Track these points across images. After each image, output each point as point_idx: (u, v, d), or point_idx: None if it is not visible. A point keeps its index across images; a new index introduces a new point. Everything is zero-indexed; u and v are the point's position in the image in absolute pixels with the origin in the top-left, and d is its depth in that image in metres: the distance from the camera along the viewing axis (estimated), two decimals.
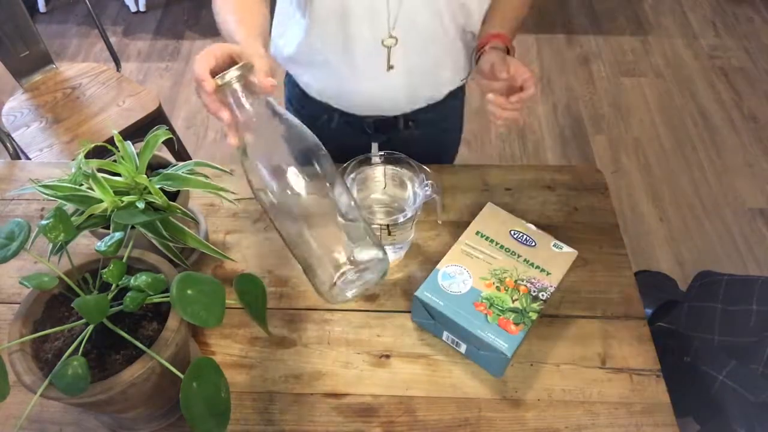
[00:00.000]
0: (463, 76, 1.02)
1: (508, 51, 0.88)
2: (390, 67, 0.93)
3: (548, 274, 0.69)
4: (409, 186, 0.84)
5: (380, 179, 0.85)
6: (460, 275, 0.77)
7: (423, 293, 0.76)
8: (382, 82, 0.96)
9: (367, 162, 0.83)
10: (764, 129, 2.29)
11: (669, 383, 0.75)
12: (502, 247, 0.80)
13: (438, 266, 0.79)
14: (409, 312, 0.82)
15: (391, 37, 0.89)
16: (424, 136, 1.09)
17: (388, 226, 0.79)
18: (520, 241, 0.80)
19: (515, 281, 0.74)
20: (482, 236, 0.82)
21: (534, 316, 0.73)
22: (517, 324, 0.73)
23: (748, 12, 2.82)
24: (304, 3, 0.88)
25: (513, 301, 0.74)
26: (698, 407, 1.06)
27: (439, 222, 0.85)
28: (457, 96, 1.08)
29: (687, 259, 1.88)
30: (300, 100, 1.07)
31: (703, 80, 2.49)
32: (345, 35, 0.89)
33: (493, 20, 0.92)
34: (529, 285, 0.72)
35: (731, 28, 2.73)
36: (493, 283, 0.76)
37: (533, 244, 0.79)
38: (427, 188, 0.79)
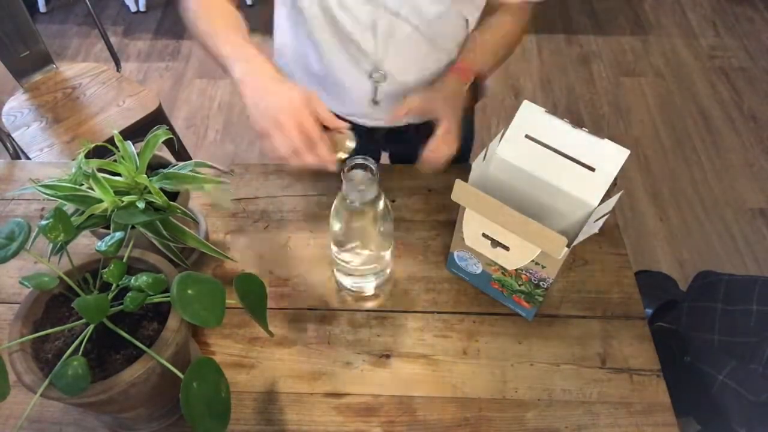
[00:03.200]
0: None
1: (475, 82, 0.85)
2: (375, 103, 0.91)
3: (543, 267, 0.70)
4: None
5: None
6: (470, 259, 0.80)
7: (450, 268, 0.85)
8: (368, 112, 0.94)
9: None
10: (764, 129, 2.29)
11: (669, 383, 0.75)
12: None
13: (451, 249, 0.82)
14: (409, 312, 0.82)
15: (378, 71, 0.87)
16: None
17: None
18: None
19: (516, 270, 0.75)
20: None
21: (540, 298, 0.76)
22: (528, 302, 0.78)
23: (748, 12, 2.82)
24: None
25: (519, 285, 0.77)
26: (698, 407, 1.06)
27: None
28: None
29: (687, 259, 1.88)
30: None
31: (703, 80, 2.49)
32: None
33: (471, 49, 0.89)
34: (528, 274, 0.73)
35: (731, 28, 2.73)
36: (499, 269, 0.77)
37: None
38: None
